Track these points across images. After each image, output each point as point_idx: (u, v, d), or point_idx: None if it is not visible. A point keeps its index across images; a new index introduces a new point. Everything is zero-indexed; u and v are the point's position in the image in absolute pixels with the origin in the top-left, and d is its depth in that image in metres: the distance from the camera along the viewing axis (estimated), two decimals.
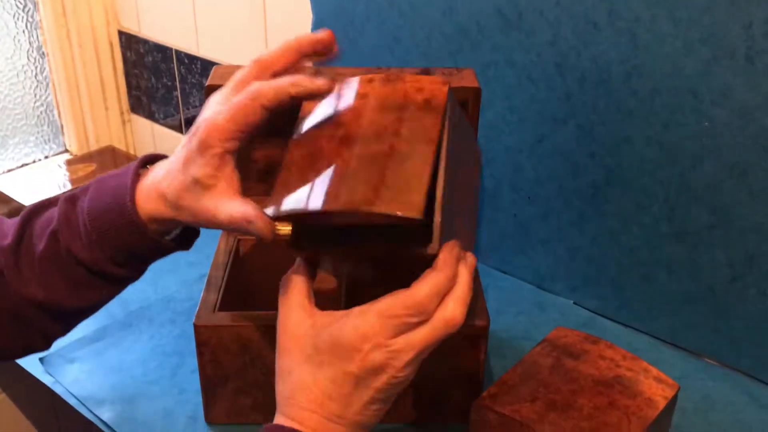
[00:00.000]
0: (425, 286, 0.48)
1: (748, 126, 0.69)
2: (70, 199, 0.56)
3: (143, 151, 1.43)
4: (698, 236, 0.76)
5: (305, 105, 0.53)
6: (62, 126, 1.37)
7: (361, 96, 0.51)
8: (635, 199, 0.79)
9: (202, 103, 1.30)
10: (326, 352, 0.49)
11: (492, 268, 0.95)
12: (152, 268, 0.93)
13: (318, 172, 0.49)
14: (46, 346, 0.60)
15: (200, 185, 0.52)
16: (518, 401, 0.57)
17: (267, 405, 0.69)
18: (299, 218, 0.51)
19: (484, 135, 0.88)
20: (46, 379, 0.76)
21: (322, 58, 0.57)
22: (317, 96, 0.53)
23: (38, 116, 1.33)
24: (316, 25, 0.97)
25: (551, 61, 0.80)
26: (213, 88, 0.72)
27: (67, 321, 0.59)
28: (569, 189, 0.84)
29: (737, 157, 0.71)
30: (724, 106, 0.70)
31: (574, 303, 0.89)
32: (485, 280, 0.85)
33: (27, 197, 1.18)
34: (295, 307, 0.52)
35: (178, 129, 1.32)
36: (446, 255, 0.49)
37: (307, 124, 0.52)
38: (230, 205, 0.52)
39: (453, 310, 0.48)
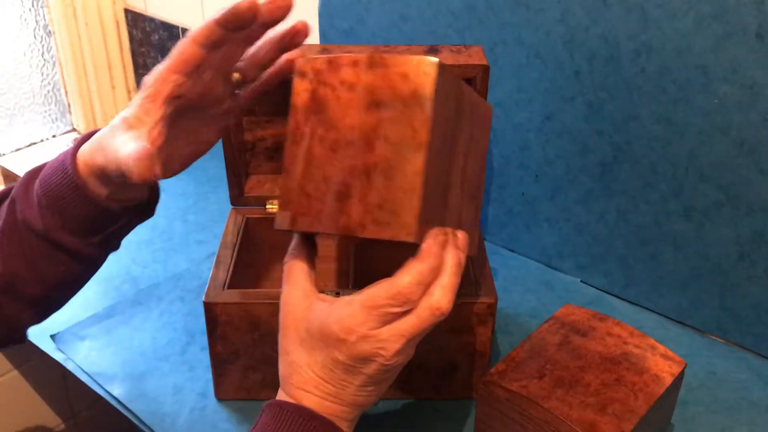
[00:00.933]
0: (407, 276, 0.47)
1: (757, 103, 0.69)
2: (31, 172, 0.56)
3: None
4: (706, 214, 0.76)
5: (296, 89, 0.51)
6: (69, 105, 1.37)
7: (348, 87, 0.49)
8: (643, 177, 0.79)
9: None
10: (317, 338, 0.50)
11: (499, 246, 0.95)
12: (161, 248, 0.95)
13: (315, 185, 0.50)
14: (18, 335, 0.59)
15: (125, 124, 0.51)
16: (526, 378, 0.57)
17: (277, 381, 0.69)
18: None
19: (493, 113, 0.88)
20: (57, 356, 0.77)
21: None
22: (241, 21, 0.50)
23: (45, 95, 1.33)
24: (324, 3, 0.96)
25: (560, 38, 0.79)
26: None
27: (34, 305, 0.57)
28: (577, 167, 0.84)
29: (746, 135, 0.70)
30: (734, 83, 0.69)
31: (581, 281, 0.89)
32: (492, 258, 0.85)
33: None
34: (295, 288, 0.52)
35: None
36: (430, 243, 0.48)
37: (299, 117, 0.51)
38: (133, 143, 0.50)
39: (439, 298, 0.48)
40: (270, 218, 0.80)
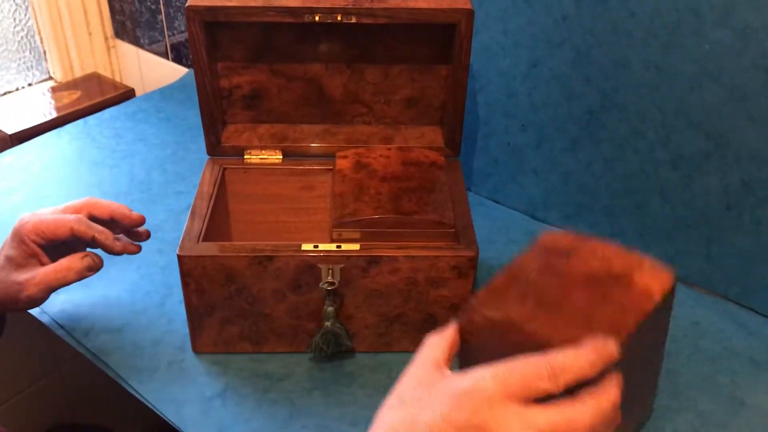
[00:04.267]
0: (557, 353, 0.44)
1: (749, 48, 0.66)
2: None
3: (129, 78, 1.39)
4: (694, 162, 0.74)
5: (340, 162, 0.73)
6: (45, 52, 1.33)
7: (385, 157, 0.73)
8: (631, 125, 0.77)
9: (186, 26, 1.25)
10: (434, 394, 0.44)
11: (484, 197, 0.94)
12: (139, 198, 0.93)
13: (369, 197, 0.68)
14: None
15: (13, 263, 0.66)
16: (507, 303, 0.53)
17: (253, 334, 0.69)
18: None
19: (477, 59, 0.85)
20: (33, 310, 0.75)
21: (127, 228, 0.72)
22: (109, 248, 0.68)
23: (19, 41, 1.28)
24: None
25: None
26: (193, 9, 0.69)
27: None
28: (564, 115, 0.82)
29: (737, 81, 0.68)
30: (726, 27, 0.67)
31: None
32: (476, 209, 0.83)
33: (12, 126, 1.16)
34: (431, 365, 0.47)
35: (164, 55, 1.28)
36: (596, 340, 0.45)
37: (347, 171, 0.71)
38: (45, 268, 0.66)
39: (590, 412, 0.42)
40: (248, 168, 0.77)
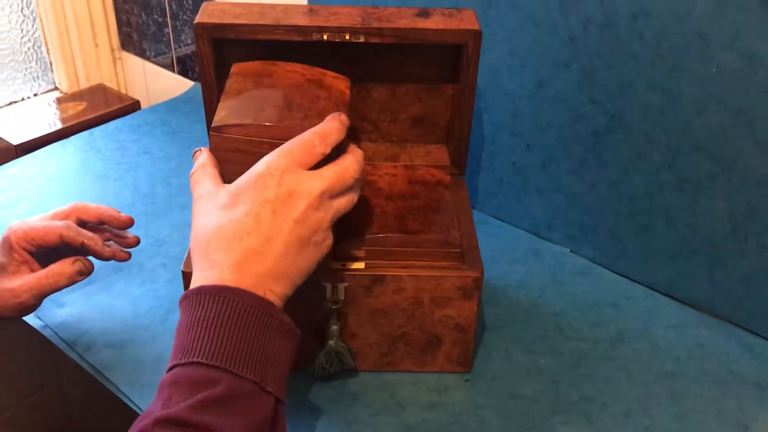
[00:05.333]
0: (319, 126, 0.55)
1: (757, 72, 0.67)
2: None
3: (134, 89, 1.40)
4: (699, 186, 0.74)
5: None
6: (51, 63, 1.33)
7: (391, 174, 0.74)
8: (636, 147, 0.77)
9: (193, 41, 1.26)
10: (241, 192, 0.52)
11: (488, 216, 0.94)
12: (143, 212, 0.93)
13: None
14: None
15: (4, 270, 0.66)
16: (251, 111, 0.59)
17: None
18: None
19: (484, 79, 0.86)
20: (34, 323, 0.75)
21: (116, 229, 0.73)
22: (98, 253, 0.68)
23: (26, 52, 1.29)
24: None
25: (555, 1, 0.76)
26: (202, 26, 0.69)
27: None
28: (569, 136, 0.82)
29: (744, 105, 0.68)
30: (734, 51, 0.67)
31: (571, 251, 0.88)
32: (481, 228, 0.83)
33: (17, 136, 1.16)
34: (206, 184, 0.55)
35: (170, 68, 1.28)
36: (333, 113, 0.57)
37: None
38: (36, 273, 0.66)
39: (351, 162, 0.55)
40: None
